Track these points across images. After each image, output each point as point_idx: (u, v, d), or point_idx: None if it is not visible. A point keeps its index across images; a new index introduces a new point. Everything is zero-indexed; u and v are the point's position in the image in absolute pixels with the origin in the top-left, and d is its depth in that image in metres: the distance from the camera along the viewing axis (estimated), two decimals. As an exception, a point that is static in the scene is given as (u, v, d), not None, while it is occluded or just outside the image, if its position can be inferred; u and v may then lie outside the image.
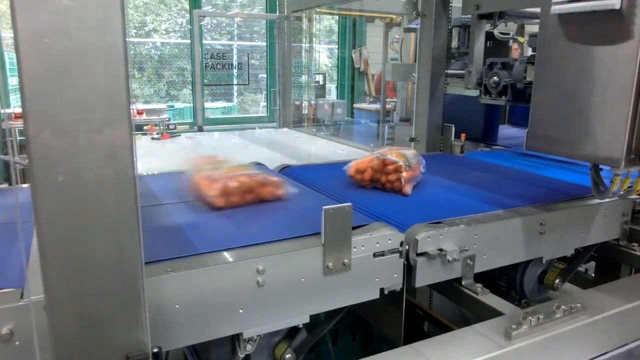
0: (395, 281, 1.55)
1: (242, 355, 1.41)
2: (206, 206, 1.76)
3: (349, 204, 1.42)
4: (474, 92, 3.48)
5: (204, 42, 7.39)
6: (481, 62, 3.34)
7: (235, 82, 7.83)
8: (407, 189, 2.02)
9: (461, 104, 3.81)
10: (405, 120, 5.21)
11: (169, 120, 6.05)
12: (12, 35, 0.80)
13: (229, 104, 8.24)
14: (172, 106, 7.46)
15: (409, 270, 1.58)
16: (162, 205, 1.82)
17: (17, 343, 1.05)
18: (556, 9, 1.58)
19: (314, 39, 6.17)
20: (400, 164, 2.02)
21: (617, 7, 1.42)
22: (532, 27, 4.29)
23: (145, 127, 4.57)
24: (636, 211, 2.12)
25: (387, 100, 6.40)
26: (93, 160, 0.89)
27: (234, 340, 1.41)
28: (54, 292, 0.91)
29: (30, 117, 0.83)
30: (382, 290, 1.54)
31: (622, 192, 1.68)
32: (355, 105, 8.30)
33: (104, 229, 0.93)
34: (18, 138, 5.43)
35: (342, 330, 2.24)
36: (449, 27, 3.29)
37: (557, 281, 1.99)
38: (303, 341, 1.57)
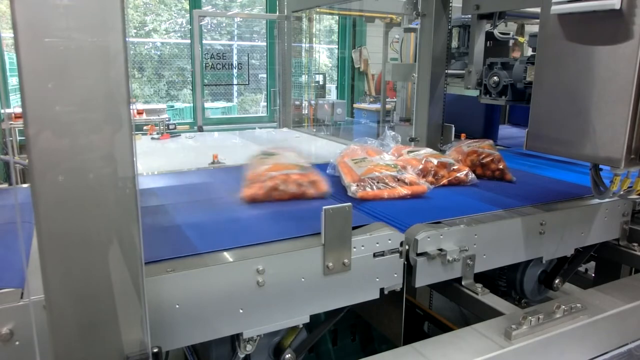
0: (395, 281, 1.55)
1: (242, 355, 1.41)
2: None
3: (349, 204, 1.42)
4: (474, 92, 3.48)
5: (204, 42, 7.39)
6: (481, 62, 3.34)
7: (235, 82, 7.83)
8: (510, 175, 2.30)
9: (461, 104, 3.80)
10: (405, 120, 5.20)
11: (169, 120, 6.05)
12: (12, 35, 0.80)
13: (229, 104, 8.24)
14: (172, 106, 7.46)
15: (409, 270, 1.58)
16: (167, 204, 1.82)
17: (17, 343, 1.05)
18: (556, 9, 1.58)
19: (314, 39, 6.17)
20: (497, 154, 2.33)
21: (617, 7, 1.42)
22: (532, 27, 4.29)
23: (145, 127, 4.57)
24: (636, 211, 2.12)
25: (387, 100, 6.40)
26: (93, 160, 0.89)
27: (234, 340, 1.41)
28: (54, 292, 0.91)
29: (30, 117, 0.83)
30: (382, 290, 1.54)
31: (622, 192, 1.68)
32: (355, 105, 8.30)
33: (104, 229, 0.93)
34: (18, 138, 5.43)
35: (342, 330, 2.24)
36: (449, 27, 3.28)
37: (557, 281, 2.00)
38: (303, 341, 1.57)
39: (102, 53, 0.87)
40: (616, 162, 1.50)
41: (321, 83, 7.65)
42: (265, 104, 8.07)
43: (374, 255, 1.50)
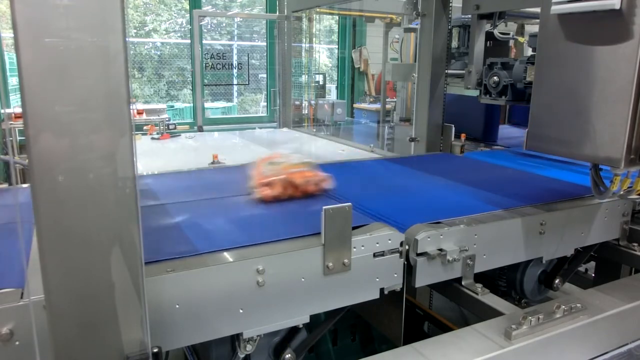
0: (395, 281, 1.55)
1: (242, 355, 1.41)
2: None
3: (349, 204, 1.42)
4: (474, 92, 3.48)
5: (204, 42, 7.39)
6: (481, 62, 3.34)
7: (235, 82, 7.83)
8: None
9: (461, 104, 3.81)
10: (405, 120, 5.21)
11: (169, 120, 6.05)
12: (12, 35, 0.80)
13: (229, 104, 8.24)
14: (172, 106, 7.45)
15: (409, 270, 1.58)
16: (167, 204, 1.82)
17: (17, 343, 1.05)
18: (556, 9, 1.58)
19: (314, 39, 6.16)
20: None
21: (617, 7, 1.42)
22: (532, 27, 4.30)
23: (145, 127, 4.58)
24: (636, 211, 2.12)
25: (387, 100, 6.40)
26: (93, 160, 0.89)
27: (234, 340, 1.41)
28: (54, 292, 0.91)
29: (30, 117, 0.83)
30: (382, 290, 1.54)
31: (622, 192, 1.68)
32: (355, 105, 8.30)
33: (104, 229, 0.93)
34: (18, 138, 5.43)
35: (342, 330, 2.24)
36: (449, 27, 3.29)
37: (557, 281, 2.00)
38: (303, 341, 1.57)
39: (102, 53, 0.87)
40: (616, 162, 1.50)
41: (321, 83, 7.65)
42: (265, 104, 8.06)
43: (374, 255, 1.50)
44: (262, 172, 1.94)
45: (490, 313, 1.66)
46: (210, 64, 6.33)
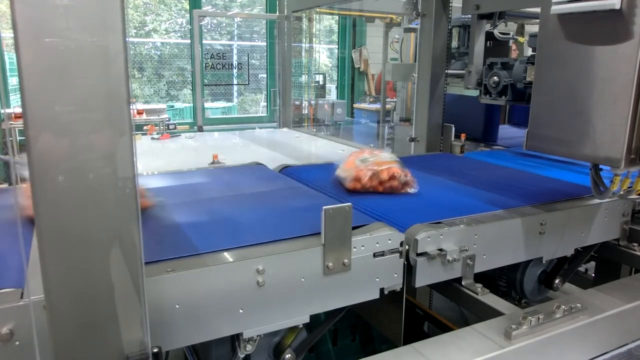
0: (395, 281, 1.55)
1: (242, 355, 1.41)
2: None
3: (349, 204, 1.42)
4: (474, 92, 3.49)
5: (204, 42, 7.39)
6: (481, 62, 3.34)
7: (235, 82, 7.84)
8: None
9: (461, 104, 3.81)
10: (405, 120, 5.21)
11: (169, 120, 6.05)
12: (12, 35, 0.80)
13: (229, 104, 8.24)
14: (172, 106, 7.46)
15: (409, 270, 1.58)
16: (167, 204, 1.82)
17: (17, 343, 1.05)
18: (556, 9, 1.58)
19: (314, 39, 6.17)
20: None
21: (617, 7, 1.42)
22: (532, 27, 4.30)
23: (145, 127, 4.58)
24: (636, 211, 2.12)
25: (387, 100, 6.40)
26: (93, 160, 0.89)
27: (234, 340, 1.41)
28: (54, 292, 0.91)
29: (30, 117, 0.83)
30: (382, 290, 1.54)
31: (622, 192, 1.68)
32: (355, 105, 8.30)
33: (104, 229, 0.93)
34: (18, 138, 5.43)
35: (342, 330, 2.24)
36: (449, 27, 3.29)
37: (557, 281, 2.00)
38: (303, 341, 1.57)
39: (102, 53, 0.87)
40: (616, 162, 1.50)
41: (321, 83, 7.65)
42: (265, 104, 8.07)
43: (374, 255, 1.50)
44: (353, 167, 2.04)
45: (490, 313, 1.66)
46: (210, 64, 6.34)
